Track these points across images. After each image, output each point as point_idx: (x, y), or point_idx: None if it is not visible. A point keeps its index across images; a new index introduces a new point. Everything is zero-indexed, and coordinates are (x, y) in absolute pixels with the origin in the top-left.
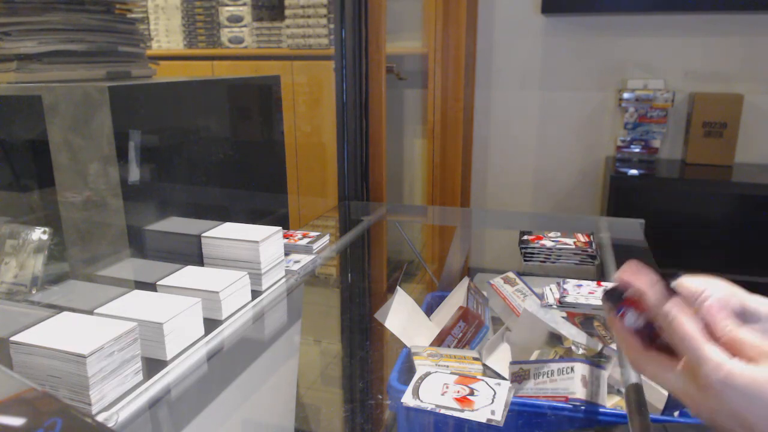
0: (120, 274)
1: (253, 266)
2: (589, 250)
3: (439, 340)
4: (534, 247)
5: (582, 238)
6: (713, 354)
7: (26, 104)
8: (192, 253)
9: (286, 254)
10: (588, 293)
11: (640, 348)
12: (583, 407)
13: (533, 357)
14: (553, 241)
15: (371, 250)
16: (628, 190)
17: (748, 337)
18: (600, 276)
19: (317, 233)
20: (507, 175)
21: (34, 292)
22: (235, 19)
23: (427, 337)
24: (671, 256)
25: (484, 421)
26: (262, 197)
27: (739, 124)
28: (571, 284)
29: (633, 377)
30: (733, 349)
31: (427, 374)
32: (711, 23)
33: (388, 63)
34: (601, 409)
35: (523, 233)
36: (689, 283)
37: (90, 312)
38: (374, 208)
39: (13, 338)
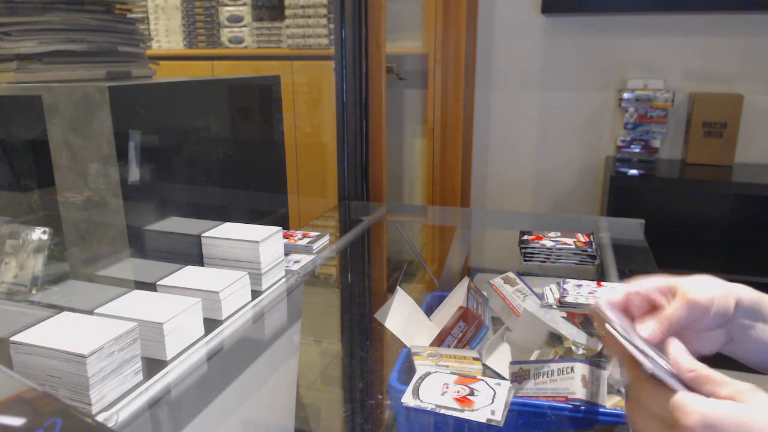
0: (120, 274)
1: (253, 266)
2: (589, 250)
3: (439, 340)
4: (534, 247)
5: (582, 238)
6: (691, 399)
7: (26, 104)
8: (192, 253)
9: (286, 254)
10: (588, 293)
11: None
12: (583, 407)
13: (533, 357)
14: (553, 241)
15: (371, 250)
16: (628, 190)
17: (719, 375)
18: (600, 276)
19: (317, 233)
20: (507, 175)
21: (34, 292)
22: (235, 19)
23: (427, 337)
24: (671, 256)
25: (483, 421)
26: (262, 197)
27: (739, 124)
28: (571, 284)
29: None
30: (705, 386)
31: (427, 374)
32: (711, 23)
33: (388, 63)
34: (601, 409)
35: (523, 233)
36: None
37: (90, 312)
38: (374, 208)
39: (13, 338)
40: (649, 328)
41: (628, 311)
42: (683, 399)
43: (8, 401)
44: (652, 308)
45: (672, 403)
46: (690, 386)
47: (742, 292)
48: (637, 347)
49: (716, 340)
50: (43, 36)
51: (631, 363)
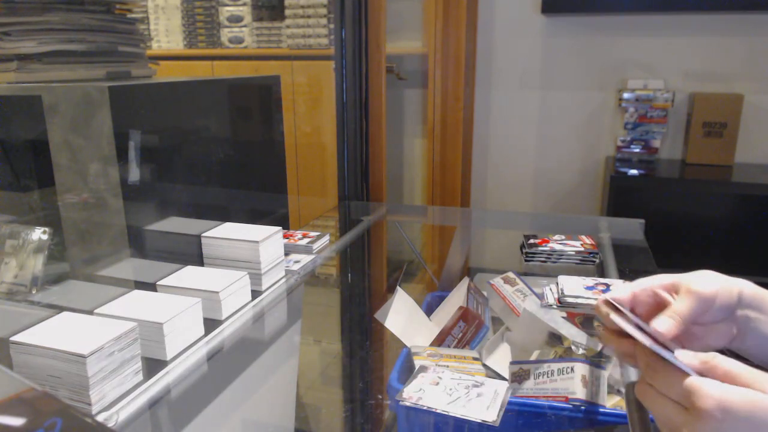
0: (120, 274)
1: (253, 266)
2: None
3: (439, 340)
4: (537, 249)
5: (588, 241)
6: (707, 383)
7: (26, 104)
8: (192, 253)
9: (286, 254)
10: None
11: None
12: (583, 407)
13: (533, 357)
14: (560, 244)
15: (371, 250)
16: (628, 190)
17: (736, 364)
18: (600, 276)
19: (317, 233)
20: (507, 175)
21: (34, 292)
22: (235, 19)
23: (427, 337)
24: (671, 256)
25: (479, 420)
26: (262, 197)
27: (739, 124)
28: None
29: (633, 377)
30: (720, 377)
31: (424, 368)
32: (711, 23)
33: (388, 63)
34: (601, 409)
35: (528, 237)
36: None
37: (90, 312)
38: (374, 208)
39: (13, 338)
40: (664, 323)
41: (633, 309)
42: (700, 383)
43: (8, 401)
44: (657, 305)
45: (688, 387)
46: (707, 375)
47: (744, 285)
48: (649, 335)
49: (723, 335)
50: (43, 36)
51: (644, 350)
